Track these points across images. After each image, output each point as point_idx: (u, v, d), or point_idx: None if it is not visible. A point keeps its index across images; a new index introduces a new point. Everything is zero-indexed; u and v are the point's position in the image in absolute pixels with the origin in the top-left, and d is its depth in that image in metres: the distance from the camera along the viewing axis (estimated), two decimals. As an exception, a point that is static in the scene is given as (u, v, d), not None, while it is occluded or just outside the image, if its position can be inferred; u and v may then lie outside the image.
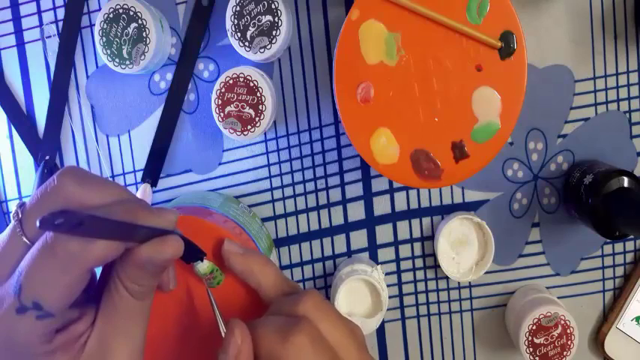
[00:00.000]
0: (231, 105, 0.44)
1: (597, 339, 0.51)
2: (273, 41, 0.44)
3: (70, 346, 0.28)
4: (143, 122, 0.49)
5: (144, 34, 0.45)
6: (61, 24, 0.49)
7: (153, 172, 0.49)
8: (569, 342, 0.46)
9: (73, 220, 0.24)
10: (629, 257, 0.50)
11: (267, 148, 0.49)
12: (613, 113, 0.49)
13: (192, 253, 0.34)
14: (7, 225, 0.32)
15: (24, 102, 0.50)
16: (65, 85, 0.49)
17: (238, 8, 0.44)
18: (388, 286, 0.51)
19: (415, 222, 0.50)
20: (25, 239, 0.27)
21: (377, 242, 0.50)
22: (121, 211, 0.27)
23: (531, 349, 0.46)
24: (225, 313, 0.35)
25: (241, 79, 0.44)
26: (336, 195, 0.50)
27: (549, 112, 0.48)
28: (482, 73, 0.38)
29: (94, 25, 0.46)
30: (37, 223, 0.23)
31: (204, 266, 0.34)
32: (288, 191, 0.50)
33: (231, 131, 0.44)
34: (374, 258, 0.51)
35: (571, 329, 0.46)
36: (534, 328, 0.46)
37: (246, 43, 0.44)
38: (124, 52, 0.45)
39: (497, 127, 0.38)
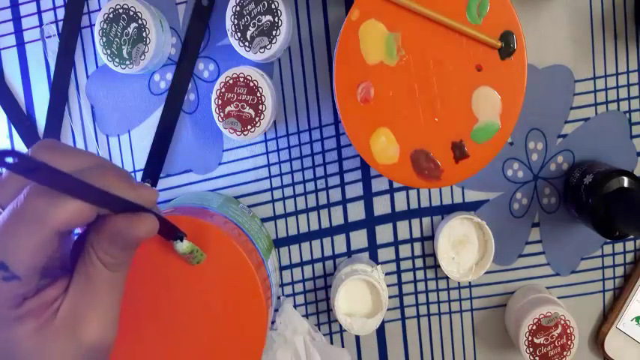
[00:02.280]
0: (231, 105, 0.44)
1: (597, 339, 0.51)
2: (273, 41, 0.44)
3: (42, 312, 0.28)
4: (143, 122, 0.49)
5: (144, 34, 0.45)
6: (61, 24, 0.49)
7: (153, 172, 0.49)
8: (569, 342, 0.46)
9: (26, 163, 0.24)
10: (629, 257, 0.50)
11: (267, 148, 0.49)
12: (613, 113, 0.49)
13: (171, 233, 0.34)
14: None
15: (24, 102, 0.50)
16: (65, 85, 0.49)
17: (238, 8, 0.44)
18: (388, 286, 0.51)
19: (415, 222, 0.50)
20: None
21: (377, 242, 0.50)
22: (95, 175, 0.27)
23: (531, 349, 0.46)
24: (210, 291, 0.36)
25: (241, 79, 0.44)
26: (336, 195, 0.50)
27: (549, 112, 0.48)
28: (482, 73, 0.38)
29: (94, 25, 0.46)
30: None
31: (183, 246, 0.35)
32: (288, 191, 0.50)
33: (231, 131, 0.44)
34: (374, 258, 0.51)
35: (571, 329, 0.46)
36: (534, 328, 0.46)
37: (246, 43, 0.44)
38: (124, 52, 0.45)
39: (497, 127, 0.38)
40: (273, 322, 0.49)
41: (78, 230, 0.32)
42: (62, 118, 0.49)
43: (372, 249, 0.51)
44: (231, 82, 0.44)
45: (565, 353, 0.46)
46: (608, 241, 0.50)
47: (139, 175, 0.50)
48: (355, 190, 0.50)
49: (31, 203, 0.26)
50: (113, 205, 0.27)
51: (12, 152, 0.23)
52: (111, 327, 0.30)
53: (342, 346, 0.52)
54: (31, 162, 0.24)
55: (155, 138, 0.49)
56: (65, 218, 0.26)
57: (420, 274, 0.51)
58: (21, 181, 0.27)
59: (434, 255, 0.50)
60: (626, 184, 0.43)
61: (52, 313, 0.28)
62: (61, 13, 0.49)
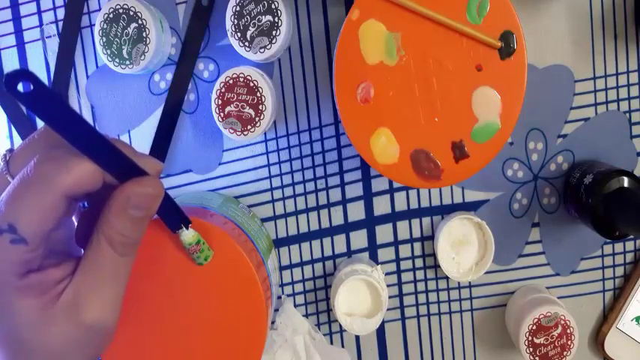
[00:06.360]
0: (231, 105, 0.44)
1: (597, 339, 0.51)
2: (273, 41, 0.44)
3: (45, 292, 0.28)
4: (143, 122, 0.49)
5: (144, 34, 0.45)
6: (61, 24, 0.49)
7: (153, 172, 0.49)
8: (569, 342, 0.46)
9: (43, 90, 0.24)
10: (629, 257, 0.50)
11: (267, 148, 0.49)
12: (613, 113, 0.49)
13: (177, 219, 0.34)
14: None
15: (24, 102, 0.50)
16: (65, 85, 0.49)
17: (238, 8, 0.44)
18: (388, 286, 0.51)
19: (415, 222, 0.50)
20: (9, 178, 0.28)
21: (377, 242, 0.50)
22: (107, 141, 0.28)
23: (531, 349, 0.46)
24: (210, 291, 0.36)
25: (241, 79, 0.44)
26: (336, 195, 0.50)
27: (549, 112, 0.48)
28: (482, 73, 0.38)
29: (94, 25, 0.46)
30: (4, 79, 0.23)
31: (189, 235, 0.34)
32: (288, 191, 0.50)
33: (231, 131, 0.44)
34: (374, 258, 0.51)
35: (571, 329, 0.46)
36: (534, 328, 0.46)
37: (246, 43, 0.44)
38: (124, 52, 0.45)
39: (497, 127, 0.38)
40: (273, 322, 0.49)
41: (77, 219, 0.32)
42: (62, 118, 0.49)
43: (372, 249, 0.51)
44: (231, 82, 0.44)
45: (565, 353, 0.46)
46: (608, 241, 0.50)
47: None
48: (355, 190, 0.50)
49: (40, 168, 0.27)
50: (120, 166, 0.28)
51: (28, 74, 0.23)
52: (113, 312, 0.30)
53: (342, 346, 0.52)
54: (45, 89, 0.24)
55: (155, 138, 0.49)
56: (72, 181, 0.26)
57: (420, 274, 0.51)
58: (32, 153, 0.28)
59: (434, 255, 0.50)
60: (626, 184, 0.43)
61: (56, 295, 0.28)
62: (61, 13, 0.49)
